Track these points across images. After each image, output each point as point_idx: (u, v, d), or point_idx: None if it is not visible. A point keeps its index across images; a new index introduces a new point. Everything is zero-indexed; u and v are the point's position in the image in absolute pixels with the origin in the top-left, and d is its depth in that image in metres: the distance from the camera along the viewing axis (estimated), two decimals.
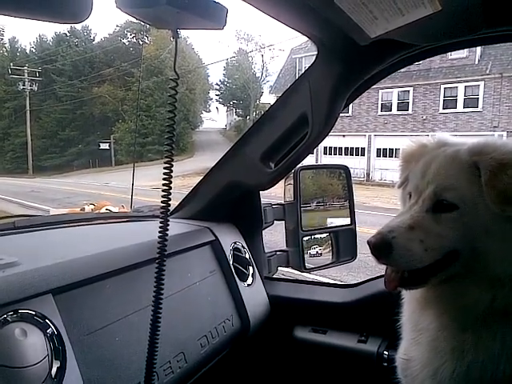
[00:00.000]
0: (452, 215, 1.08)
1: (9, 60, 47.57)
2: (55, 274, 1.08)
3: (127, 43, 51.95)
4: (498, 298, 1.03)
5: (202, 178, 1.92)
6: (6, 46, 53.29)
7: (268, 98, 44.45)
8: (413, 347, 1.22)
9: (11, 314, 0.92)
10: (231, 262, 1.70)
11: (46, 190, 22.23)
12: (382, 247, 1.07)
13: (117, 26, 52.32)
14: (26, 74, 44.15)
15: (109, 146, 43.78)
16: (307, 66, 1.60)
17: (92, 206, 4.80)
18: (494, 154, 1.05)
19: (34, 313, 0.96)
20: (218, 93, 55.09)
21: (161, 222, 1.05)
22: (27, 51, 54.94)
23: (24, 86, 44.19)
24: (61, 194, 19.90)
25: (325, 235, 2.06)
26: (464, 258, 1.08)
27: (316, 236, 2.02)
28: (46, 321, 0.97)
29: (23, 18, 0.66)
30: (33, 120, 46.50)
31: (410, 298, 1.24)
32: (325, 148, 26.56)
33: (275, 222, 1.98)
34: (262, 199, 1.93)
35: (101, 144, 43.60)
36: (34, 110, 46.92)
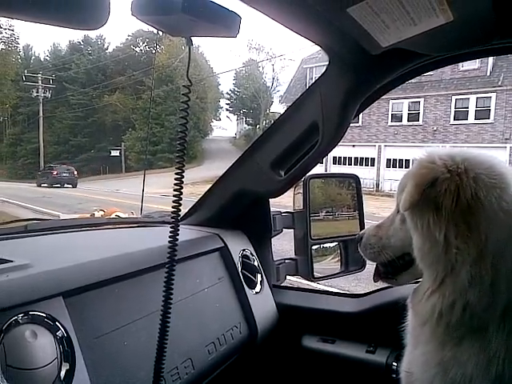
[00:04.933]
0: (399, 217, 1.19)
1: (23, 67, 48.24)
2: (66, 277, 1.09)
3: (139, 52, 52.60)
4: (439, 309, 1.03)
5: (211, 185, 1.93)
6: (21, 53, 54.13)
7: (278, 108, 44.70)
8: (412, 360, 1.21)
9: (22, 316, 0.93)
10: (240, 269, 1.70)
11: (57, 196, 22.40)
12: (357, 240, 1.31)
13: (129, 35, 53.08)
14: (39, 81, 44.70)
15: (119, 152, 44.15)
16: (318, 76, 1.60)
17: (102, 213, 4.82)
18: (420, 164, 1.12)
19: (44, 315, 0.96)
20: (228, 102, 55.55)
21: (171, 228, 1.05)
22: (41, 59, 55.98)
23: (38, 92, 44.73)
24: (71, 199, 20.03)
25: (334, 244, 2.05)
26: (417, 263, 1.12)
27: (325, 245, 2.02)
28: (56, 323, 0.97)
29: (41, 24, 0.66)
30: (45, 126, 47.02)
31: (408, 308, 1.25)
32: (334, 158, 26.54)
33: (284, 230, 1.98)
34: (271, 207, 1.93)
35: (112, 151, 43.99)
36: (46, 116, 47.48)
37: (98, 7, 0.66)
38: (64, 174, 32.48)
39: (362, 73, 1.45)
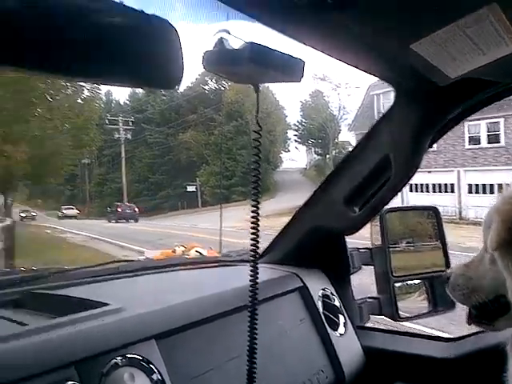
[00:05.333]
0: (488, 256, 1.11)
1: (105, 111, 52.03)
2: (157, 320, 1.14)
3: (208, 90, 54.99)
4: None
5: (286, 219, 1.93)
6: (103, 98, 58.53)
7: (347, 136, 44.15)
8: None
9: (120, 359, 0.97)
10: (321, 310, 1.65)
11: (140, 232, 23.45)
12: (444, 280, 1.24)
13: (198, 74, 55.75)
14: (120, 124, 47.90)
15: (195, 188, 45.78)
16: (385, 102, 1.59)
17: (182, 248, 5.03)
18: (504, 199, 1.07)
19: (140, 357, 1.00)
20: (296, 133, 55.86)
21: (251, 269, 1.06)
22: (121, 102, 60.41)
23: (119, 134, 47.89)
24: (153, 235, 20.79)
25: (418, 281, 1.95)
26: None
27: (409, 282, 1.92)
28: (151, 366, 1.01)
29: (117, 86, 0.72)
30: (127, 166, 50.07)
31: (509, 355, 1.14)
32: (410, 185, 25.48)
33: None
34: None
35: (188, 186, 45.81)
36: (128, 156, 50.61)
37: (172, 69, 0.69)
38: (127, 211, 36.59)
39: (432, 104, 1.41)
